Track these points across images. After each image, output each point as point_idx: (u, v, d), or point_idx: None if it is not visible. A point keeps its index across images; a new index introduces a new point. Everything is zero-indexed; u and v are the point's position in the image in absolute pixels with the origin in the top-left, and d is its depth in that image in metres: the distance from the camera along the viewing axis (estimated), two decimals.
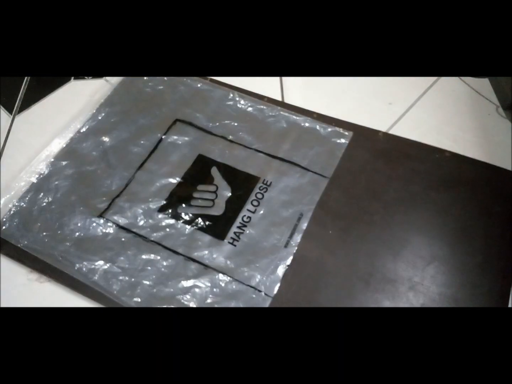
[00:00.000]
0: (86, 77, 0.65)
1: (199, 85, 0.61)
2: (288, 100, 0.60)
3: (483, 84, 0.61)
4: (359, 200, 0.50)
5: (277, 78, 0.63)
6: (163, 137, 0.56)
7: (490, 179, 0.51)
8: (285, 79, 0.63)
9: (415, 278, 0.45)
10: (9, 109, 0.62)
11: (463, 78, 0.62)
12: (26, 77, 0.65)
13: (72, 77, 0.65)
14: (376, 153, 0.54)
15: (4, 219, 0.50)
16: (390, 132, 0.57)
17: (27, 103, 0.62)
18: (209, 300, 0.45)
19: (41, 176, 0.54)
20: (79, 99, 0.62)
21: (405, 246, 0.47)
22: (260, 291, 0.45)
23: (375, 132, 0.56)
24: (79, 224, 0.50)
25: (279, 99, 0.60)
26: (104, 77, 0.64)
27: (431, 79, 0.62)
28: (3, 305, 0.46)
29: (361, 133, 0.55)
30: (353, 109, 0.59)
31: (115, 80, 0.63)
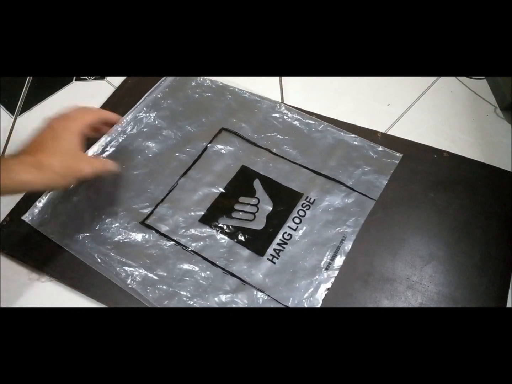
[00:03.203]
0: (87, 79, 0.65)
1: (246, 95, 0.60)
2: (288, 100, 0.61)
3: (481, 85, 0.61)
4: None
5: (276, 78, 0.64)
6: (208, 145, 0.55)
7: (488, 179, 0.52)
8: (285, 79, 0.64)
9: (414, 278, 0.46)
10: (11, 110, 0.62)
11: (461, 79, 0.62)
12: (28, 78, 0.65)
13: (74, 78, 0.65)
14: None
15: (36, 211, 0.50)
16: (389, 133, 0.57)
17: (29, 104, 0.63)
18: None
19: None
20: (80, 100, 0.62)
21: (404, 245, 0.48)
22: None
23: (374, 132, 0.56)
24: (120, 228, 0.49)
25: (279, 99, 0.61)
26: (105, 79, 0.65)
27: (429, 80, 0.62)
28: (4, 305, 0.46)
29: (360, 134, 0.55)
30: (352, 110, 0.59)
31: (162, 82, 0.61)
